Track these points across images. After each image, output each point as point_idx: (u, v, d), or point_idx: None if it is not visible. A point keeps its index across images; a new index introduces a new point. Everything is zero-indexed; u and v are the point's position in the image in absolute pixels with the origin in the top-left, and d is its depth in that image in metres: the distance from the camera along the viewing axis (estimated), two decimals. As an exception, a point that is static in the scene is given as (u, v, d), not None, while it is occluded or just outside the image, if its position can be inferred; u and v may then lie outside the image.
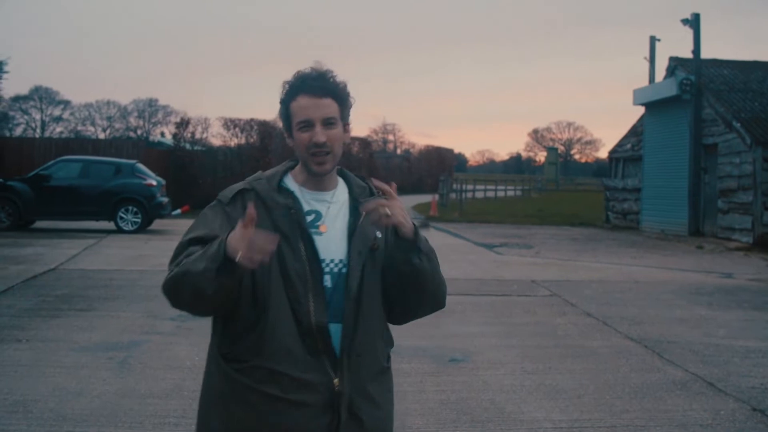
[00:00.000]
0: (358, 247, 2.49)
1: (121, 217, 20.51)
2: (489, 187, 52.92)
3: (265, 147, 34.00)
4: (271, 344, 2.40)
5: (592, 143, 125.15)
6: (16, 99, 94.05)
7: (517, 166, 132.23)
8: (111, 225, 20.62)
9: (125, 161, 21.79)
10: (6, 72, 23.21)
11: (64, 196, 20.27)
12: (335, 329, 2.44)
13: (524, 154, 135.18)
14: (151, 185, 20.86)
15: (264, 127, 34.22)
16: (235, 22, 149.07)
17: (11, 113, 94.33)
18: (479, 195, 49.11)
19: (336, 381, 2.42)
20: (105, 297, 10.60)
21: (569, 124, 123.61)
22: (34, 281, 11.75)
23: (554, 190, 69.01)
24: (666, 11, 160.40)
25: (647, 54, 25.66)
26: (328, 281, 2.46)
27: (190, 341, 8.13)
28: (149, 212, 20.84)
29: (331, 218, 2.54)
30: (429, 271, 2.50)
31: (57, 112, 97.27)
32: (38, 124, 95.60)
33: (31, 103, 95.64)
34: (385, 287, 2.56)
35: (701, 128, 22.51)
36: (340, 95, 2.53)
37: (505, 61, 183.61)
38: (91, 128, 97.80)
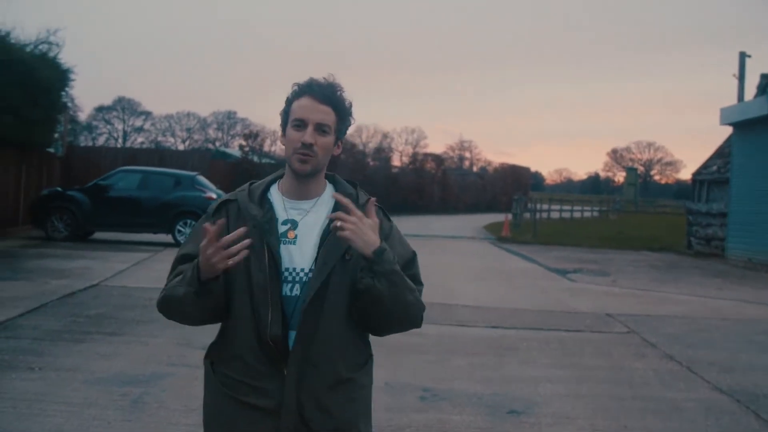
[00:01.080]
0: (324, 257, 2.50)
1: (179, 231, 19.90)
2: (565, 207, 51.36)
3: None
4: (230, 351, 2.57)
5: (672, 164, 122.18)
6: (100, 109, 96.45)
7: (594, 185, 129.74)
8: (169, 238, 20.03)
9: (185, 173, 21.23)
10: (73, 79, 22.66)
11: (122, 207, 19.80)
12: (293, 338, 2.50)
13: (602, 174, 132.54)
14: (210, 198, 20.17)
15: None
16: (316, 36, 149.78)
17: (95, 123, 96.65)
18: (555, 215, 47.66)
19: (286, 388, 2.50)
20: (139, 320, 9.81)
21: (649, 144, 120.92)
22: (71, 298, 11.05)
23: (633, 211, 66.86)
24: (754, 27, 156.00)
25: (735, 71, 24.16)
26: (296, 290, 2.51)
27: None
28: (208, 226, 20.19)
29: (307, 226, 2.57)
30: (386, 295, 2.46)
31: (138, 122, 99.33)
32: (120, 134, 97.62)
33: (114, 113, 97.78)
34: (354, 300, 2.54)
35: (797, 150, 20.93)
36: (340, 108, 2.58)
37: (585, 79, 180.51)
38: (171, 139, 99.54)
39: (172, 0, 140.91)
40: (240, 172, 31.72)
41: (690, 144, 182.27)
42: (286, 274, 2.51)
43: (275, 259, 2.48)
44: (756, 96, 23.14)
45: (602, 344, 9.73)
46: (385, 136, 73.35)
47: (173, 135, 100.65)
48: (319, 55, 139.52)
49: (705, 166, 26.99)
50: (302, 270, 2.51)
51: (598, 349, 9.45)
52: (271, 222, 2.53)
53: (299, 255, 2.53)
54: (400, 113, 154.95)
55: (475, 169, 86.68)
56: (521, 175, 66.77)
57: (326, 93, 2.55)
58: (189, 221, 19.91)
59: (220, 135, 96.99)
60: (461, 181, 56.99)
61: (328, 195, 2.64)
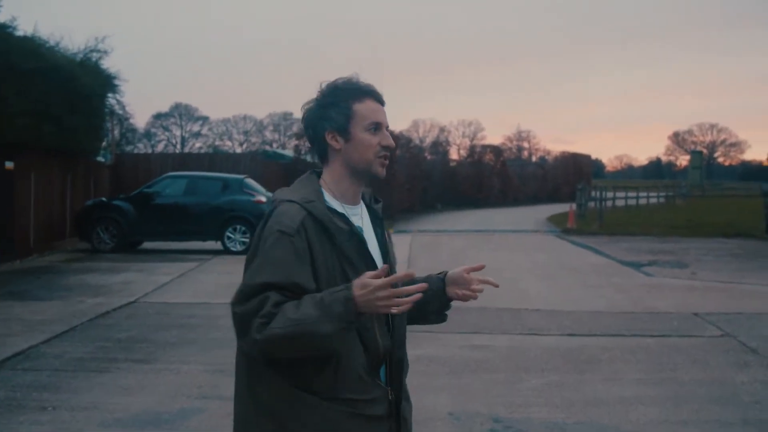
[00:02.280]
0: (392, 258, 2.59)
1: (229, 237, 19.03)
2: (630, 194, 49.61)
3: (390, 157, 32.26)
4: (346, 375, 2.39)
5: (737, 145, 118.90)
6: (158, 116, 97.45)
7: (656, 170, 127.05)
8: (219, 245, 19.20)
9: (233, 176, 20.32)
10: (118, 85, 22.01)
11: (169, 214, 18.98)
12: None
13: (664, 159, 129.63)
14: (260, 202, 19.28)
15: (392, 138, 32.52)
16: (368, 33, 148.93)
17: (153, 130, 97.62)
18: (619, 203, 45.99)
19: (390, 390, 2.52)
20: (174, 342, 8.87)
21: (712, 126, 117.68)
22: (103, 319, 10.17)
23: (700, 196, 64.56)
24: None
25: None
26: None
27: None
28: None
29: (366, 232, 2.55)
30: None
31: (196, 128, 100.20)
32: (178, 140, 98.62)
33: (172, 119, 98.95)
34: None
35: None
36: None
37: (641, 62, 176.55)
38: (228, 143, 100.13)
39: (225, 3, 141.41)
40: (294, 173, 30.79)
41: (755, 124, 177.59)
42: None
43: (374, 268, 2.39)
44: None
45: (695, 351, 8.52)
46: (442, 129, 72.39)
47: (230, 138, 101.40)
48: (368, 53, 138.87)
49: (782, 144, 25.31)
50: None
51: (692, 357, 8.25)
52: (361, 233, 2.48)
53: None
54: (457, 106, 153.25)
55: (534, 159, 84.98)
56: (582, 163, 64.89)
57: (382, 96, 2.57)
58: (239, 227, 19.04)
59: (276, 136, 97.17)
60: (521, 171, 55.43)
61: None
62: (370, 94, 2.52)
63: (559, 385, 7.20)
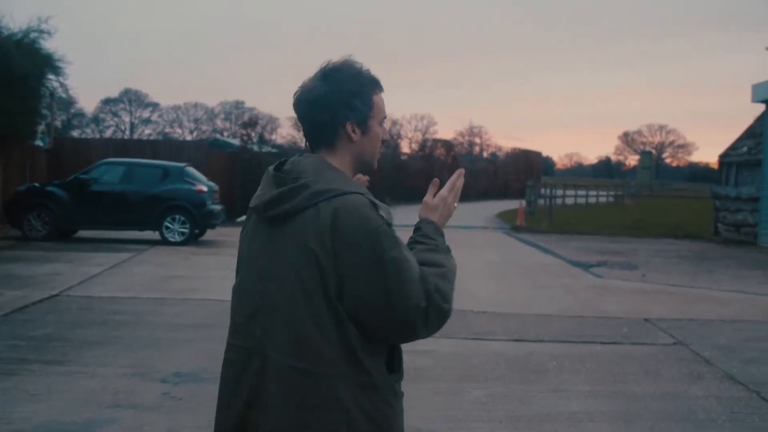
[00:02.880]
0: None
1: (167, 227, 18.32)
2: (580, 192, 49.66)
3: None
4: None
5: (685, 147, 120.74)
6: (107, 101, 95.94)
7: (606, 170, 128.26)
8: (157, 235, 18.47)
9: (173, 164, 19.54)
10: (60, 67, 21.13)
11: (105, 202, 18.19)
12: None
13: (614, 158, 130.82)
14: (201, 191, 18.62)
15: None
16: (322, 23, 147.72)
17: (101, 115, 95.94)
18: (569, 201, 45.97)
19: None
20: (93, 341, 8.22)
21: (661, 127, 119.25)
22: (20, 314, 9.47)
23: (648, 196, 65.10)
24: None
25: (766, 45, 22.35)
26: None
27: (174, 422, 5.70)
28: (198, 221, 18.60)
29: None
30: None
31: (146, 114, 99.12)
32: (127, 126, 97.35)
33: (121, 105, 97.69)
34: None
35: (837, 128, 19.20)
36: None
37: (594, 63, 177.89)
38: (179, 130, 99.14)
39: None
40: (239, 162, 30.10)
41: (702, 126, 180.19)
42: None
43: None
44: (791, 70, 21.37)
45: (647, 361, 8.10)
46: (394, 123, 71.95)
47: (181, 126, 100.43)
48: (325, 42, 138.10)
49: (733, 147, 25.23)
50: None
51: (644, 368, 7.82)
52: None
53: None
54: (410, 100, 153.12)
55: (485, 155, 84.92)
56: (533, 160, 65.03)
57: None
58: (178, 217, 18.35)
59: (228, 125, 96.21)
60: (472, 167, 55.15)
61: None
62: (380, 85, 2.43)
63: (504, 396, 6.71)
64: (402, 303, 2.13)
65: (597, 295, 12.47)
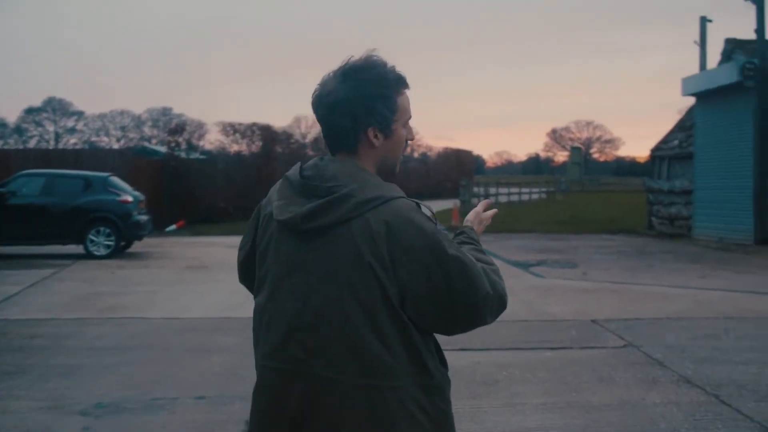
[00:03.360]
0: None
1: (92, 240, 17.52)
2: (513, 190, 49.74)
3: (267, 154, 31.03)
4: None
5: (611, 142, 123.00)
6: (30, 111, 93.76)
7: (535, 166, 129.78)
8: (81, 249, 17.66)
9: (96, 174, 18.72)
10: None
11: (24, 216, 17.31)
12: None
13: (543, 155, 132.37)
14: (126, 201, 17.87)
15: (267, 132, 31.28)
16: (248, 27, 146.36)
17: (24, 125, 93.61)
18: (502, 199, 46.00)
19: None
20: (6, 371, 7.54)
21: (588, 123, 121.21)
22: (-74, 343, 8.74)
23: (579, 191, 65.73)
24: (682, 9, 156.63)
25: (697, 38, 22.45)
26: None
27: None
28: (124, 233, 17.84)
29: None
30: None
31: (71, 123, 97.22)
32: (52, 135, 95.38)
33: (45, 114, 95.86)
34: None
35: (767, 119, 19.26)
36: None
37: (521, 61, 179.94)
38: (105, 138, 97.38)
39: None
40: (167, 170, 29.29)
41: (628, 121, 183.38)
42: None
43: None
44: (720, 63, 21.47)
45: (600, 366, 7.75)
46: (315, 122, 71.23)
47: (107, 134, 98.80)
48: (251, 44, 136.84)
49: (665, 140, 25.32)
50: None
51: (597, 373, 7.47)
52: None
53: None
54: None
55: (416, 155, 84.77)
56: (464, 160, 64.96)
57: None
58: (102, 229, 17.56)
59: (155, 132, 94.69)
60: (403, 167, 54.96)
61: None
62: (406, 84, 2.30)
63: (454, 413, 6.26)
64: (471, 298, 2.13)
65: (540, 296, 12.15)
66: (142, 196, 19.00)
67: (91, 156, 27.16)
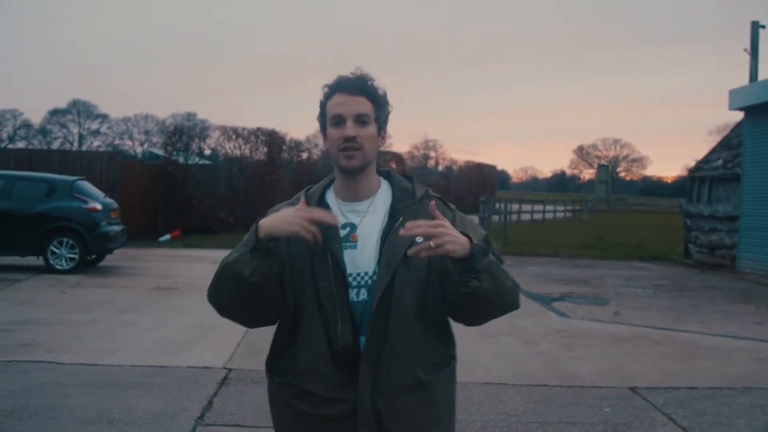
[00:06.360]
0: (387, 257, 2.44)
1: (53, 252, 15.38)
2: (537, 207, 47.31)
3: (272, 161, 28.84)
4: (302, 363, 2.46)
5: (639, 161, 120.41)
6: (54, 112, 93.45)
7: (561, 183, 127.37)
8: (41, 261, 15.55)
9: (62, 178, 16.52)
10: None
11: (-22, 223, 15.20)
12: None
13: (569, 172, 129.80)
14: (94, 210, 15.70)
15: (272, 137, 29.10)
16: (272, 36, 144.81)
17: (49, 127, 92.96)
18: (525, 216, 43.58)
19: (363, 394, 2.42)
20: None
21: (616, 141, 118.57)
22: None
23: (605, 210, 63.13)
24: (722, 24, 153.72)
25: (747, 46, 20.02)
26: (364, 294, 2.45)
27: None
28: (90, 246, 15.65)
29: (366, 228, 2.51)
30: (491, 291, 2.36)
31: (95, 126, 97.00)
32: (76, 138, 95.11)
33: (69, 116, 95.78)
34: (446, 297, 2.45)
35: (831, 138, 16.81)
36: (374, 96, 2.53)
37: (548, 77, 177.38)
38: (129, 142, 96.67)
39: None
40: (163, 175, 27.18)
41: (656, 140, 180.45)
42: (351, 279, 2.46)
43: (340, 265, 2.44)
44: (775, 73, 19.04)
45: (647, 475, 5.43)
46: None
47: (131, 138, 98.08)
48: (275, 56, 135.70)
49: (706, 160, 22.82)
50: (366, 273, 2.47)
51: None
52: (333, 227, 2.44)
53: (361, 258, 2.47)
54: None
55: (440, 168, 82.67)
56: (487, 174, 62.62)
57: (357, 84, 2.51)
58: (66, 240, 15.41)
59: (183, 138, 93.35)
60: (423, 180, 52.69)
61: (383, 193, 2.60)
62: (338, 88, 2.51)
63: None
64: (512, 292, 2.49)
65: (564, 346, 9.81)
66: (114, 204, 16.82)
67: (78, 159, 24.92)
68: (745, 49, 19.97)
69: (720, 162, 21.60)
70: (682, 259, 22.66)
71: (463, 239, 2.30)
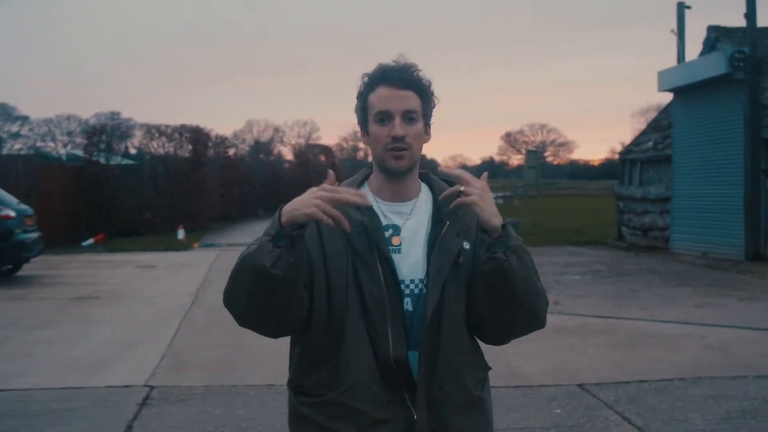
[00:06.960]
0: (437, 264, 2.27)
1: (-40, 268, 14.51)
2: (467, 195, 47.28)
3: (198, 158, 28.05)
4: (347, 378, 2.22)
5: (565, 145, 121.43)
6: None
7: (490, 170, 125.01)
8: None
9: (-31, 184, 15.68)
10: None
11: None
12: (414, 358, 2.23)
13: (497, 158, 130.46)
14: (7, 217, 14.85)
15: (197, 134, 28.30)
16: (199, 27, 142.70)
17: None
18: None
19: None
20: None
21: (542, 126, 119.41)
22: None
23: (536, 195, 63.52)
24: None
25: (674, 27, 19.95)
26: (408, 304, 2.26)
27: None
28: (4, 255, 14.81)
29: (410, 231, 2.34)
30: (517, 270, 2.19)
31: (15, 128, 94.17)
32: None
33: None
34: (473, 300, 2.31)
35: (761, 117, 16.79)
36: (423, 90, 2.35)
37: (473, 65, 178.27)
38: (52, 144, 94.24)
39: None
40: (84, 177, 26.19)
41: (581, 124, 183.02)
42: (402, 286, 2.25)
43: (392, 269, 2.23)
44: (702, 53, 18.99)
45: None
46: (276, 130, 69.26)
47: (54, 139, 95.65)
48: (204, 48, 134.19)
49: (636, 142, 22.79)
50: (412, 281, 2.28)
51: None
52: (379, 228, 2.27)
53: (406, 264, 2.28)
54: (292, 107, 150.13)
55: (370, 159, 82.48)
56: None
57: (403, 76, 2.31)
58: (-26, 255, 14.53)
59: (104, 137, 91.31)
60: (352, 172, 52.13)
61: (425, 195, 2.43)
62: (383, 80, 2.31)
63: None
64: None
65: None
66: (30, 210, 15.97)
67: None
68: (672, 31, 19.92)
69: (650, 144, 21.58)
70: (615, 242, 22.65)
71: (496, 211, 2.21)
